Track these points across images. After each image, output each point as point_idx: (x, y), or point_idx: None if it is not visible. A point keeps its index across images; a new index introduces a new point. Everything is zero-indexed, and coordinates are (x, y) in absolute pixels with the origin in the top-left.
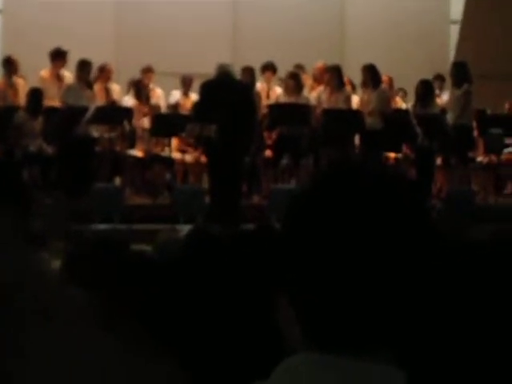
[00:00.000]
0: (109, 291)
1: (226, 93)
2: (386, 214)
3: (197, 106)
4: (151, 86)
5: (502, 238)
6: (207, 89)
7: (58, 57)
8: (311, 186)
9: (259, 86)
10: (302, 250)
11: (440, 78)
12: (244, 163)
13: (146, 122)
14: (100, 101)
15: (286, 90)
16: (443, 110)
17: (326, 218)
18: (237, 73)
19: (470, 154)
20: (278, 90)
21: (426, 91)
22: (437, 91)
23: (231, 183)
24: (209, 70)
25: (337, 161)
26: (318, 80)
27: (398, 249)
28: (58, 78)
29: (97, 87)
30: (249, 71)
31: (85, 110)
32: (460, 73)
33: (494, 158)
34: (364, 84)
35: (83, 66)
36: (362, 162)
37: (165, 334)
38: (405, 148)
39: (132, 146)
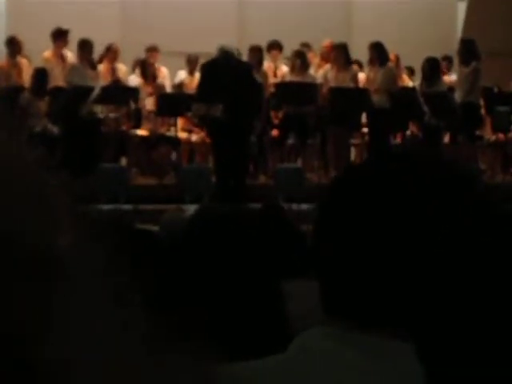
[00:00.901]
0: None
1: (226, 73)
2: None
3: (199, 86)
4: (157, 65)
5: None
6: (208, 69)
7: (60, 36)
8: (358, 171)
9: (266, 64)
10: (340, 225)
11: (448, 58)
12: (250, 142)
13: (151, 102)
14: (106, 81)
15: (292, 69)
16: (451, 88)
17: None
18: (243, 52)
19: (478, 132)
20: (285, 69)
21: (432, 69)
22: (445, 71)
23: (237, 162)
24: (215, 49)
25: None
26: (325, 58)
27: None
28: (62, 58)
29: (103, 67)
30: (256, 50)
31: (90, 89)
32: (468, 50)
33: (501, 135)
34: (371, 62)
35: (84, 46)
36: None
37: (171, 314)
38: (412, 126)
39: (138, 126)
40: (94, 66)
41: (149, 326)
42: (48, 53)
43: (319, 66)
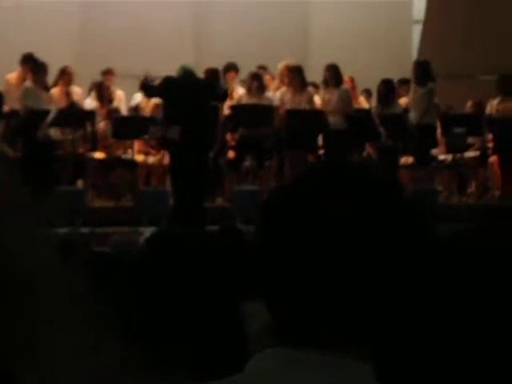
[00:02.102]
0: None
1: (188, 92)
2: (358, 211)
3: (164, 107)
4: (113, 88)
5: (461, 238)
6: (169, 84)
7: (28, 62)
8: (290, 187)
9: None
10: (281, 246)
11: (404, 81)
12: (208, 164)
13: (107, 125)
14: (61, 104)
15: (249, 91)
16: (406, 110)
17: (301, 215)
18: (200, 74)
19: (433, 153)
20: (241, 91)
21: (387, 91)
22: (403, 94)
23: (195, 185)
24: (171, 72)
25: (316, 162)
26: (282, 80)
27: (373, 247)
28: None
29: (58, 90)
30: (212, 72)
31: (46, 112)
32: (423, 71)
33: (457, 157)
34: (325, 83)
35: (39, 68)
36: (341, 162)
37: (128, 333)
38: (368, 148)
39: (94, 149)
40: (47, 89)
41: (113, 348)
42: (11, 75)
43: (277, 88)
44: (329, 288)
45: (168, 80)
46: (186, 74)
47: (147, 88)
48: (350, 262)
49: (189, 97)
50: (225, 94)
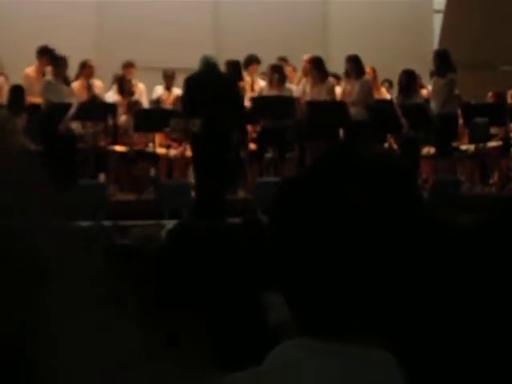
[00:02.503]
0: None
1: (211, 87)
2: (379, 201)
3: (184, 101)
4: (134, 81)
5: (482, 227)
6: (192, 83)
7: (44, 55)
8: (303, 174)
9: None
10: (294, 237)
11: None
12: (229, 157)
13: (129, 118)
14: (82, 97)
15: (270, 83)
16: (427, 100)
17: (318, 203)
18: (221, 67)
19: (455, 144)
20: (262, 83)
21: (409, 81)
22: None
23: (217, 177)
24: (191, 64)
25: (328, 149)
26: (306, 73)
27: (391, 236)
28: (43, 76)
29: (79, 83)
30: (233, 65)
31: (67, 106)
32: (443, 62)
33: (479, 147)
34: (347, 74)
35: (59, 62)
36: (353, 150)
37: (150, 323)
38: (389, 139)
39: (115, 142)
40: (67, 83)
41: (137, 334)
42: (30, 69)
43: (300, 81)
44: (346, 276)
45: (190, 77)
46: (209, 67)
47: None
48: (365, 251)
49: (210, 90)
50: (242, 101)
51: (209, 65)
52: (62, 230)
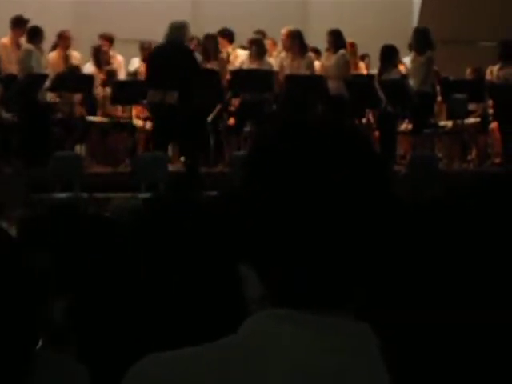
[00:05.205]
0: (65, 252)
1: (170, 60)
2: (346, 170)
3: (146, 73)
4: (111, 53)
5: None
6: (153, 57)
7: (19, 25)
8: (268, 141)
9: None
10: (264, 207)
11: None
12: (205, 129)
13: (106, 89)
14: (59, 68)
15: (250, 57)
16: (404, 76)
17: (285, 175)
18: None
19: (433, 120)
20: (243, 56)
21: (389, 55)
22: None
23: (193, 149)
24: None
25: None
26: (285, 46)
27: (358, 206)
28: (18, 46)
29: (56, 54)
30: (211, 38)
31: (45, 76)
32: (422, 39)
33: (458, 123)
34: (328, 49)
35: (35, 33)
36: (323, 124)
37: (124, 293)
38: (368, 114)
39: (92, 114)
40: (42, 54)
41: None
42: (5, 39)
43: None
44: (321, 246)
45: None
46: (172, 34)
47: None
48: (338, 218)
49: (172, 64)
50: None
51: (172, 35)
52: None
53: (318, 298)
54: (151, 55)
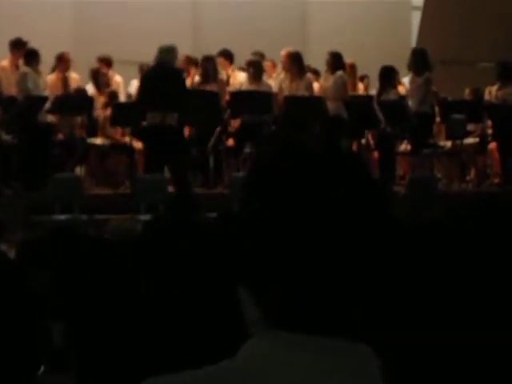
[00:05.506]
0: (64, 274)
1: (161, 82)
2: (344, 189)
3: (137, 95)
4: (111, 73)
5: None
6: (145, 79)
7: (18, 47)
8: (267, 161)
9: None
10: (264, 227)
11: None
12: (189, 150)
13: (107, 111)
14: (58, 90)
15: (249, 78)
16: (402, 97)
17: (284, 194)
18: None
19: (432, 140)
20: (242, 77)
21: (389, 76)
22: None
23: (183, 173)
24: None
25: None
26: (284, 67)
27: (357, 224)
28: (17, 68)
29: (55, 76)
30: (210, 59)
31: (45, 98)
32: (420, 60)
33: (456, 143)
34: (327, 71)
35: (32, 56)
36: (321, 145)
37: (124, 316)
38: (368, 134)
39: (93, 135)
40: (39, 76)
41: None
42: (4, 61)
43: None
44: (321, 264)
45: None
46: (162, 57)
47: None
48: (337, 236)
49: (163, 86)
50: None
51: (161, 58)
52: None
53: (317, 319)
54: (144, 77)
